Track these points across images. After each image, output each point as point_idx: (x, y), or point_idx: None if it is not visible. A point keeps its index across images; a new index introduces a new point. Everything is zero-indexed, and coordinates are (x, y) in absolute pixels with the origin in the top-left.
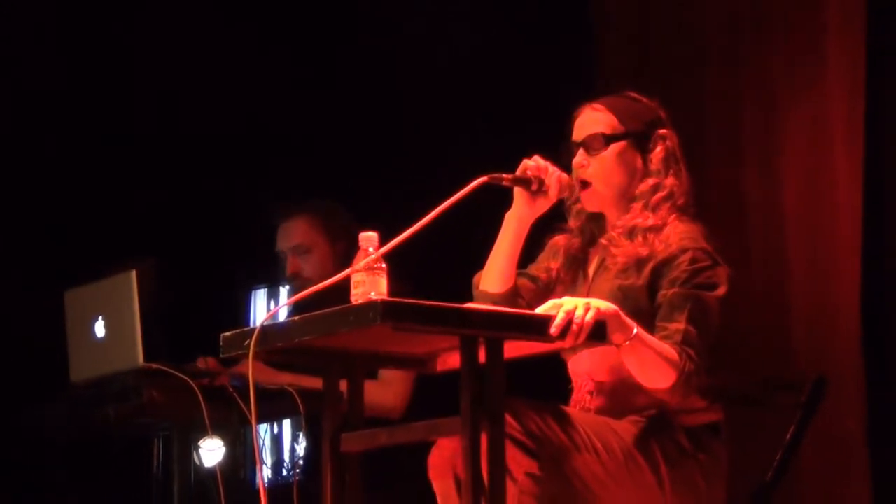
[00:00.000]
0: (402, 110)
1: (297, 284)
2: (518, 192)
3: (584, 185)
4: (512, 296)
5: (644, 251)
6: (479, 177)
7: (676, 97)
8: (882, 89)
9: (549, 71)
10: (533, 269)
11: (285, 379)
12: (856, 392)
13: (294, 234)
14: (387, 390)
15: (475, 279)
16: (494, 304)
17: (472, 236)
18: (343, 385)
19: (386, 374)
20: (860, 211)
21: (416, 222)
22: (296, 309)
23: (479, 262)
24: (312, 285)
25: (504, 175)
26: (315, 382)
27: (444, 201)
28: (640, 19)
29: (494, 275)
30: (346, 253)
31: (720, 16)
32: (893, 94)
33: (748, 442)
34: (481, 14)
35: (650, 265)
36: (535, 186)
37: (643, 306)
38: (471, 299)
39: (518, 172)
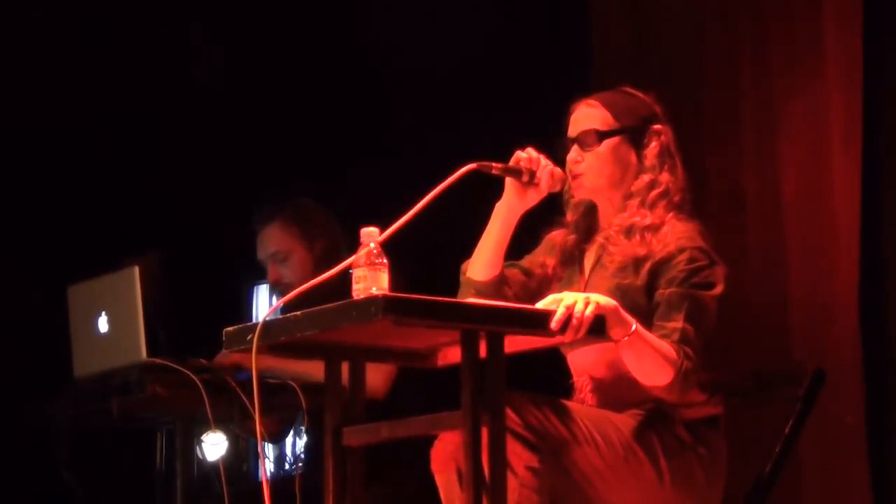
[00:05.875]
0: (400, 105)
1: (280, 290)
2: (509, 182)
3: (576, 177)
4: (498, 284)
5: (642, 251)
6: (468, 164)
7: (674, 91)
8: (880, 83)
9: (545, 64)
10: (527, 262)
11: (278, 364)
12: (854, 386)
13: (270, 243)
14: (370, 371)
15: (463, 267)
16: (479, 292)
17: (467, 227)
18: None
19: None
20: (858, 204)
21: (407, 212)
22: (285, 310)
23: (471, 250)
24: (295, 290)
25: (494, 163)
26: (310, 368)
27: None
28: (637, 13)
29: (481, 263)
30: (326, 253)
31: (718, 9)
32: (891, 88)
33: (747, 435)
34: (478, 5)
35: (648, 265)
36: (525, 178)
37: (641, 305)
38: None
39: (511, 163)
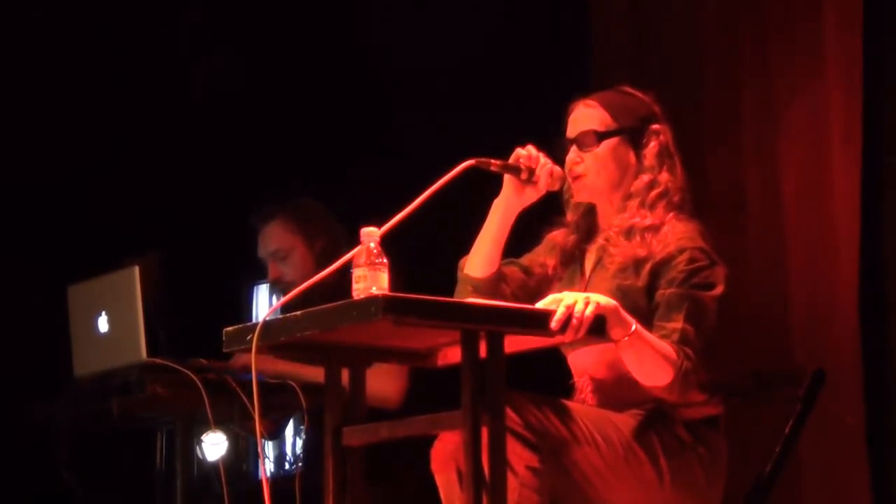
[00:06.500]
0: (400, 105)
1: (281, 288)
2: (508, 179)
3: (575, 178)
4: (495, 281)
5: (642, 252)
6: (467, 160)
7: (675, 90)
8: (880, 83)
9: (545, 64)
10: (527, 260)
11: (287, 368)
12: (854, 386)
13: (271, 241)
14: (383, 380)
15: (461, 263)
16: (476, 288)
17: (466, 224)
18: (344, 379)
19: (382, 363)
20: (858, 204)
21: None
22: (284, 311)
23: (470, 247)
24: (296, 288)
25: (492, 160)
26: (312, 371)
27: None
28: (637, 13)
29: (478, 260)
30: (326, 251)
31: (718, 9)
32: (891, 88)
33: (747, 435)
34: (477, 5)
35: (648, 265)
36: (524, 175)
37: (641, 306)
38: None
39: (510, 160)
